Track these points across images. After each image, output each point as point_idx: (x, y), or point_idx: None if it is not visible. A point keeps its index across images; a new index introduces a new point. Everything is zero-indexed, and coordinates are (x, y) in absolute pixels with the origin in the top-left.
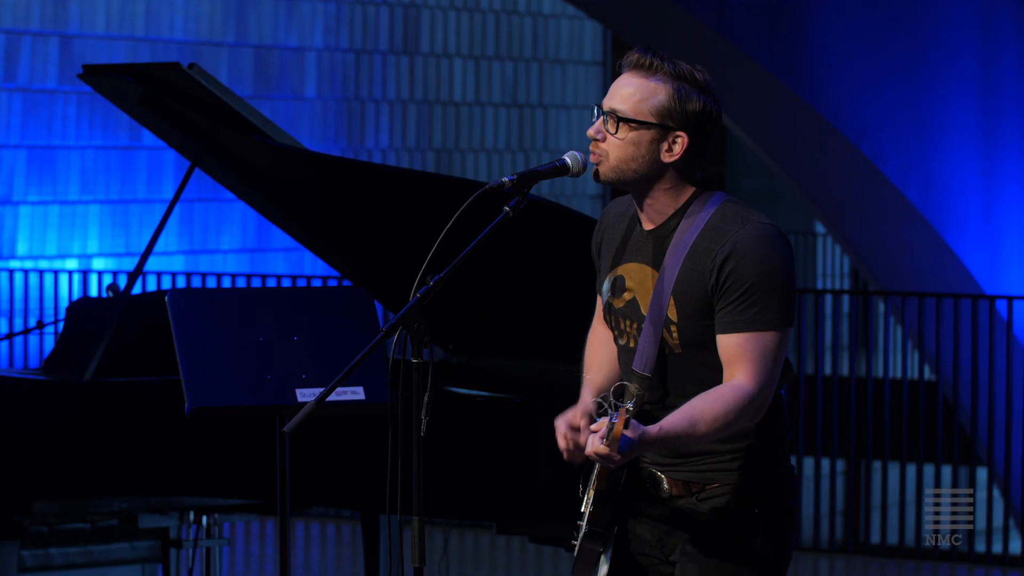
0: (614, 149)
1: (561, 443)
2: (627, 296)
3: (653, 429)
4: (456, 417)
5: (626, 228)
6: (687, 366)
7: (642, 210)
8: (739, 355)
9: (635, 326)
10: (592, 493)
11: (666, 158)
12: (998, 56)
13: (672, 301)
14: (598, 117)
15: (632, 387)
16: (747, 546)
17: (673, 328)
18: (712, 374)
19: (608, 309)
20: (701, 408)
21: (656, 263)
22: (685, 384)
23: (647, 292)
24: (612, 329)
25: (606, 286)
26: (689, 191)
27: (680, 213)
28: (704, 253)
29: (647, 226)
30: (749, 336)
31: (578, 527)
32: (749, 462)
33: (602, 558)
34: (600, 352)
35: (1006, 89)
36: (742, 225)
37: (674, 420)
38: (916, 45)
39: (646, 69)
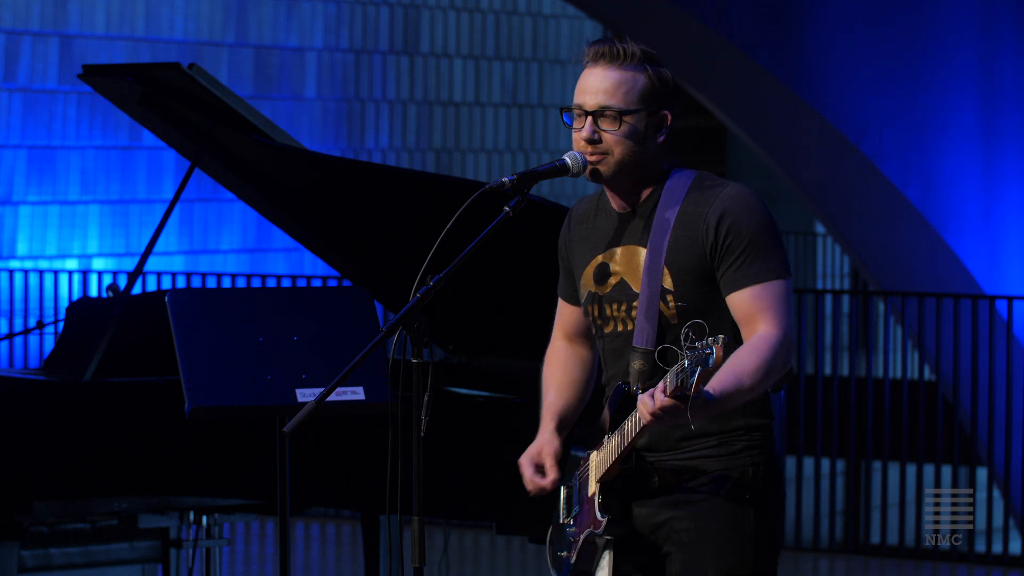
0: (617, 145)
1: (529, 486)
2: (613, 280)
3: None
4: (456, 417)
5: (598, 220)
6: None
7: (620, 196)
8: (757, 307)
9: (624, 308)
10: (597, 485)
11: (658, 137)
12: (998, 56)
13: (666, 270)
14: (581, 118)
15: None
16: (739, 533)
17: (670, 298)
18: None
19: (591, 299)
20: (740, 363)
21: (642, 240)
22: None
23: (636, 269)
24: (595, 320)
25: (585, 279)
26: (662, 166)
27: (658, 189)
28: (694, 217)
29: (624, 209)
30: (761, 287)
31: (562, 526)
32: (738, 447)
33: (606, 552)
34: (559, 373)
35: (1006, 89)
36: (724, 186)
37: (721, 379)
38: (916, 45)
39: (619, 59)
